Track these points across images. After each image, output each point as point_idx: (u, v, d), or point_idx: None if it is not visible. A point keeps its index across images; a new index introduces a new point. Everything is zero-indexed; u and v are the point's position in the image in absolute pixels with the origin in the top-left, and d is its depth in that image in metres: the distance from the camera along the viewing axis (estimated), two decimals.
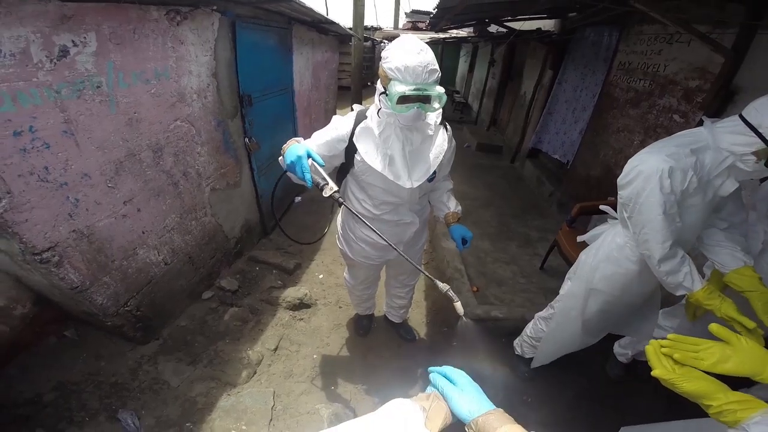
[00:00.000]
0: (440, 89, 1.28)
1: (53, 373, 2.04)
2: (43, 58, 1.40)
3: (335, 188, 1.22)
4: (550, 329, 1.99)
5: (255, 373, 2.25)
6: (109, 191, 1.80)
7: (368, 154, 1.41)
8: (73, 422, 1.85)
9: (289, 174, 1.34)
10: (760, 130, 1.16)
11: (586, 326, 1.85)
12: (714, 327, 0.96)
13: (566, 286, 1.92)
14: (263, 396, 2.07)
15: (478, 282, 3.07)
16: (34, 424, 1.81)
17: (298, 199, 4.22)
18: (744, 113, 1.23)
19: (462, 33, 8.90)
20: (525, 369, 2.30)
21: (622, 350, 2.31)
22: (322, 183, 1.22)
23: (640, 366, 2.28)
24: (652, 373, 0.93)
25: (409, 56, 1.20)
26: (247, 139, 2.89)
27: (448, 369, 0.78)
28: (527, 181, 5.57)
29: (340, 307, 2.83)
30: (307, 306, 2.79)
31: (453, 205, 1.76)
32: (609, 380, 2.34)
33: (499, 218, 4.31)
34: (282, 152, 1.32)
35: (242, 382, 2.16)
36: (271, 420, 1.97)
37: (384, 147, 1.40)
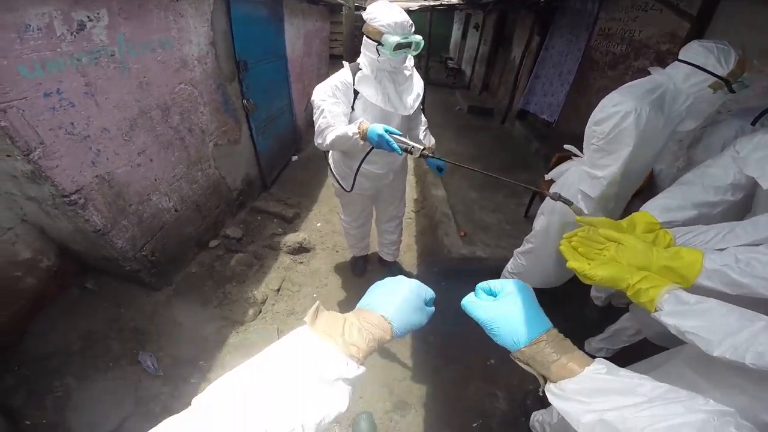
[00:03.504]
0: (419, 37, 1.66)
1: (78, 323, 2.21)
2: (65, 32, 1.62)
3: (421, 147, 1.54)
4: (529, 262, 2.20)
5: (260, 311, 2.48)
6: (125, 143, 2.04)
7: (370, 95, 1.75)
8: (99, 369, 2.03)
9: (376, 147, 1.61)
10: (706, 68, 1.39)
11: (560, 260, 2.05)
12: (602, 231, 1.10)
13: (539, 221, 2.13)
14: (268, 332, 2.31)
15: (465, 227, 3.32)
16: (65, 374, 1.98)
17: (295, 157, 4.48)
18: (683, 57, 1.47)
19: (452, 0, 8.86)
20: None
21: (597, 293, 2.51)
22: (410, 147, 1.53)
23: (614, 310, 2.45)
24: (568, 265, 1.05)
25: (396, 15, 1.58)
26: (244, 101, 3.10)
27: (492, 282, 0.69)
28: (516, 140, 5.79)
29: (337, 251, 3.08)
30: (307, 250, 3.04)
31: (429, 142, 2.13)
32: (585, 323, 2.43)
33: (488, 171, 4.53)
34: (360, 133, 1.59)
35: (249, 320, 2.40)
36: None
37: (380, 87, 1.76)
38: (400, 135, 1.52)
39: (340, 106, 1.75)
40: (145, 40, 2.06)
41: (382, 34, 1.58)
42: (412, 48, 1.67)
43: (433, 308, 0.69)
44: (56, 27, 1.57)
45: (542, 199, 3.14)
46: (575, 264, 1.02)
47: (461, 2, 6.37)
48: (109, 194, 2.00)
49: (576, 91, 4.35)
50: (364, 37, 1.68)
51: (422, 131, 2.12)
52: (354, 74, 1.76)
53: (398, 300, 0.63)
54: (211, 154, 2.86)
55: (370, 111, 1.80)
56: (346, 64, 1.83)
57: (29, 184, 1.73)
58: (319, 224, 3.44)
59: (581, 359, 0.57)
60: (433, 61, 9.63)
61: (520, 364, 0.62)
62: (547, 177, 2.14)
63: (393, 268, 2.87)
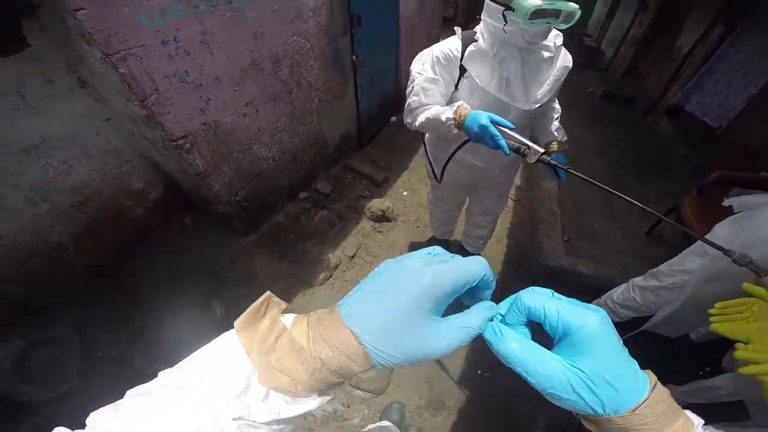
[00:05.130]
0: (574, 5, 1.18)
1: (169, 259, 2.37)
2: None
3: (541, 150, 1.10)
4: (657, 304, 1.78)
5: (330, 276, 2.50)
6: (235, 93, 2.09)
7: (481, 77, 1.37)
8: (175, 308, 2.13)
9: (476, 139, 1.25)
10: None
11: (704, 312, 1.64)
12: None
13: (693, 261, 1.63)
14: (332, 300, 2.26)
15: (571, 231, 2.91)
16: (146, 309, 2.13)
17: (393, 118, 4.31)
18: None
19: None
20: None
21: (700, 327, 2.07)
22: (523, 148, 1.13)
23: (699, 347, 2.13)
24: (736, 354, 0.79)
25: None
26: (354, 57, 2.99)
27: (545, 303, 0.38)
28: (659, 139, 4.88)
29: (418, 227, 2.95)
30: (388, 219, 2.96)
31: (561, 134, 1.66)
32: (666, 351, 2.09)
33: (613, 170, 3.92)
34: (457, 120, 1.26)
35: (318, 283, 2.43)
36: None
37: (500, 69, 1.35)
38: (512, 128, 1.15)
39: (439, 85, 1.41)
40: None
41: None
42: (559, 19, 1.20)
43: (475, 322, 0.39)
44: None
45: (679, 220, 2.59)
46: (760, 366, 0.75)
47: None
48: (214, 141, 2.09)
49: (766, 98, 3.59)
50: None
51: (554, 120, 1.67)
52: (465, 45, 1.36)
53: (389, 306, 0.36)
54: (315, 109, 2.84)
55: (479, 96, 1.41)
56: (458, 30, 1.42)
57: (144, 126, 1.86)
58: (405, 193, 3.32)
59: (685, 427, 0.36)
60: (566, 37, 8.62)
61: (588, 424, 0.40)
62: (726, 203, 1.57)
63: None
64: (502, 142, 1.13)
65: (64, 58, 1.71)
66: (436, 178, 1.82)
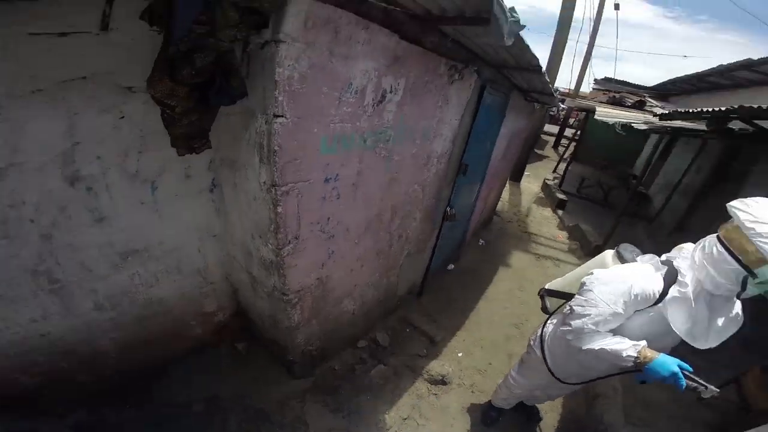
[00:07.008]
0: None
1: (212, 383, 2.14)
2: (370, 101, 1.46)
3: (717, 390, 1.22)
4: None
5: None
6: (354, 246, 1.90)
7: (678, 323, 1.26)
8: None
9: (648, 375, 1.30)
10: None
11: None
12: None
13: None
14: None
15: (626, 399, 2.76)
16: (172, 430, 1.89)
17: (451, 266, 4.10)
18: None
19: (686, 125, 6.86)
20: None
21: None
22: (700, 388, 1.25)
23: None
24: None
25: None
26: (448, 208, 2.85)
27: None
28: None
29: (472, 392, 2.73)
30: (444, 383, 2.74)
31: None
32: None
33: None
34: (642, 361, 1.27)
35: None
36: None
37: (692, 313, 1.26)
38: (691, 371, 1.24)
39: (620, 319, 1.34)
40: (413, 126, 1.86)
41: (765, 263, 1.07)
42: None
43: None
44: (367, 93, 1.43)
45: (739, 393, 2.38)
46: None
47: (703, 128, 4.64)
48: (318, 297, 1.87)
49: None
50: (720, 246, 1.18)
51: None
52: (668, 287, 1.27)
53: None
54: (401, 263, 2.64)
55: (647, 329, 1.34)
56: (657, 263, 1.39)
57: (260, 267, 1.65)
58: (460, 354, 3.08)
59: None
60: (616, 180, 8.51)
61: None
62: None
63: (532, 413, 2.52)
64: (683, 382, 1.21)
65: (210, 156, 1.56)
66: (551, 372, 1.73)
